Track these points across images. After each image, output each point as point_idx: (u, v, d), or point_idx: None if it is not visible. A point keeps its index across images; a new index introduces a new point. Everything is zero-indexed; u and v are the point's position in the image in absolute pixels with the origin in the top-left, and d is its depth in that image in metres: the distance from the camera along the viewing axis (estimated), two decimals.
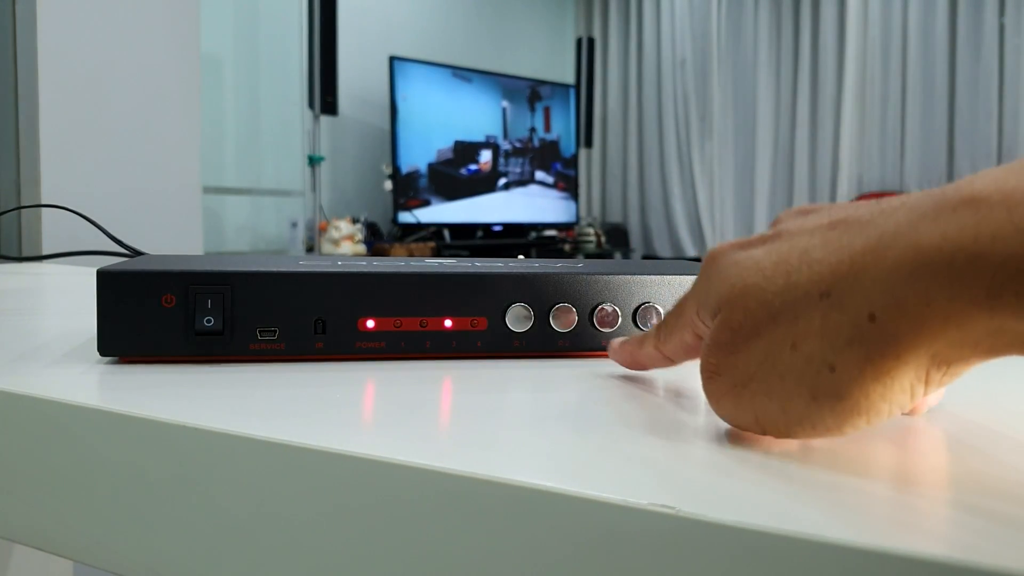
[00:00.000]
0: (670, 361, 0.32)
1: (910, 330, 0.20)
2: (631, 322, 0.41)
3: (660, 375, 0.36)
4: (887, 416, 0.22)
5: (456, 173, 4.10)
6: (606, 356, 0.41)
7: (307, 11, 3.25)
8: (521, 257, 0.52)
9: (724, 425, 0.27)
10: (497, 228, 4.25)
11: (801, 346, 0.22)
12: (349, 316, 0.39)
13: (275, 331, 0.38)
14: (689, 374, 0.33)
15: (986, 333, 0.20)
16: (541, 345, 0.41)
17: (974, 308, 0.19)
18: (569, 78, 4.81)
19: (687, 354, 0.31)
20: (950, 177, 4.27)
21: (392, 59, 3.76)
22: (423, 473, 0.23)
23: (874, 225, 0.22)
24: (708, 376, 0.25)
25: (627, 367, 0.36)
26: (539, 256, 4.03)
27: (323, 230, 3.42)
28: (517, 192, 4.39)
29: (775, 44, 4.73)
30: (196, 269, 0.37)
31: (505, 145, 4.34)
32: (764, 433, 0.24)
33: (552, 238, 4.40)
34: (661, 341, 0.32)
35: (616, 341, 0.37)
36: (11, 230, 1.15)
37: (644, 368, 0.35)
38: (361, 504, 0.24)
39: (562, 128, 4.65)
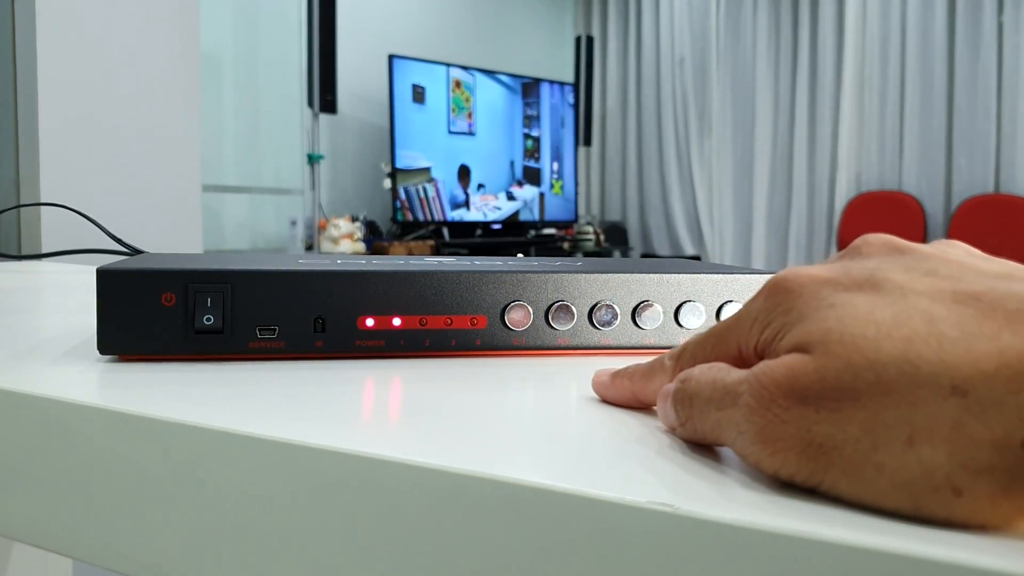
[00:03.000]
0: None
1: None
2: (630, 320, 0.41)
3: None
4: None
5: None
6: (605, 354, 0.41)
7: (306, 9, 3.25)
8: (520, 255, 0.52)
9: None
10: (496, 226, 4.25)
11: (920, 446, 0.18)
12: (348, 314, 0.39)
13: (274, 329, 0.38)
14: None
15: None
16: (540, 343, 0.41)
17: None
18: (568, 76, 4.80)
19: None
20: (948, 176, 4.27)
21: (391, 57, 3.75)
22: (422, 471, 0.23)
23: None
24: (768, 420, 0.20)
25: (622, 404, 0.30)
26: (538, 254, 4.03)
27: (322, 228, 3.42)
28: (516, 190, 4.39)
29: (774, 43, 4.73)
30: (196, 268, 0.37)
31: None
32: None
33: (551, 236, 4.40)
34: (675, 362, 0.27)
35: (604, 374, 0.31)
36: (10, 228, 1.15)
37: (649, 404, 0.29)
38: (360, 502, 0.24)
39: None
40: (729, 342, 0.24)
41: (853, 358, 0.19)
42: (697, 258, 4.77)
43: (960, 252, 0.22)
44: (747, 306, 0.24)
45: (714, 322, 0.42)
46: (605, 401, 0.31)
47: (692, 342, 0.26)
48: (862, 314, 0.20)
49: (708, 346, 0.25)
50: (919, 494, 0.18)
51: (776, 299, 0.22)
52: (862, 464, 0.19)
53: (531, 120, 4.46)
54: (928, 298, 0.20)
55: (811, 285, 0.22)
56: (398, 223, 3.82)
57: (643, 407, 0.30)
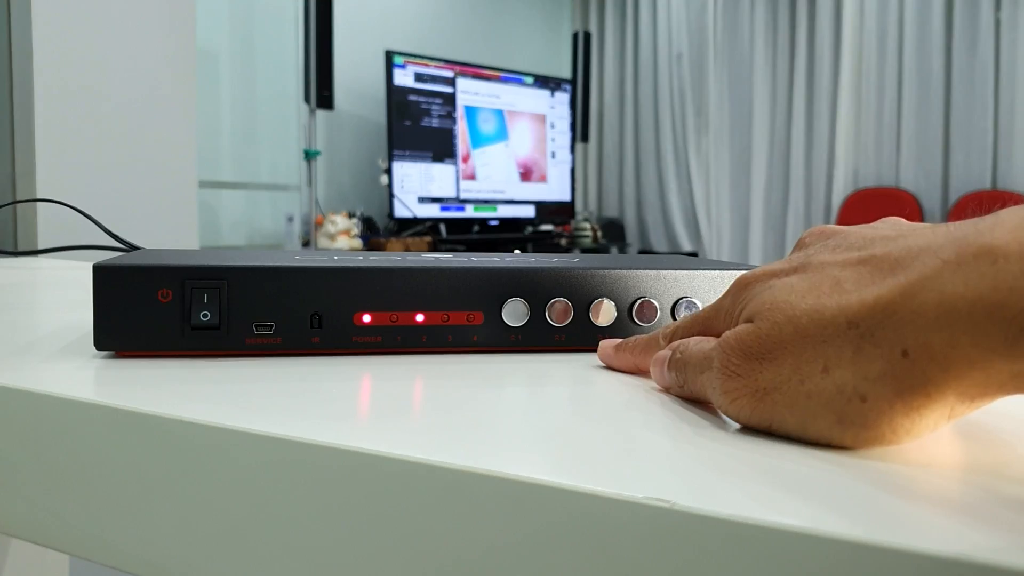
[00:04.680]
0: None
1: (939, 371, 0.21)
2: (628, 317, 0.41)
3: None
4: (904, 443, 0.24)
5: None
6: None
7: (303, 5, 3.24)
8: (517, 252, 0.52)
9: (720, 418, 0.28)
10: (493, 223, 4.25)
11: (832, 371, 0.23)
12: (345, 311, 0.39)
13: (271, 326, 0.38)
14: None
15: (1009, 376, 0.21)
16: (537, 339, 0.41)
17: (994, 355, 0.20)
18: (565, 72, 4.80)
19: None
20: (946, 172, 4.27)
21: (388, 53, 3.75)
22: (419, 467, 0.23)
23: (902, 267, 0.23)
24: (727, 375, 0.26)
25: (625, 371, 0.36)
26: (535, 251, 4.03)
27: (319, 224, 3.41)
28: None
29: (771, 39, 4.73)
30: (192, 264, 0.37)
31: None
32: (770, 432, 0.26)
33: (548, 233, 4.40)
34: (668, 339, 0.33)
35: (609, 344, 0.37)
36: (6, 224, 1.15)
37: (647, 373, 0.35)
38: (357, 498, 0.24)
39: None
40: (711, 327, 0.30)
41: (778, 317, 0.25)
42: (694, 254, 4.77)
43: (884, 227, 0.26)
44: (720, 300, 0.30)
45: None
46: (610, 368, 0.37)
47: (681, 324, 0.33)
48: (787, 287, 0.26)
49: (695, 328, 0.31)
50: (838, 407, 0.23)
51: (740, 293, 0.28)
52: (795, 396, 0.24)
53: None
54: (839, 267, 0.25)
55: (762, 277, 0.27)
56: (395, 219, 3.82)
57: (642, 374, 0.35)
